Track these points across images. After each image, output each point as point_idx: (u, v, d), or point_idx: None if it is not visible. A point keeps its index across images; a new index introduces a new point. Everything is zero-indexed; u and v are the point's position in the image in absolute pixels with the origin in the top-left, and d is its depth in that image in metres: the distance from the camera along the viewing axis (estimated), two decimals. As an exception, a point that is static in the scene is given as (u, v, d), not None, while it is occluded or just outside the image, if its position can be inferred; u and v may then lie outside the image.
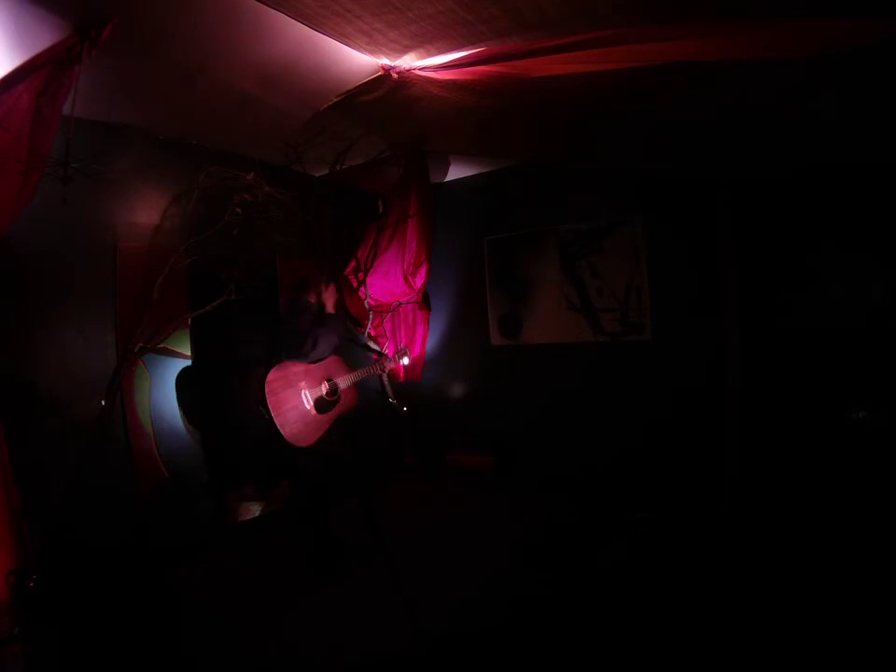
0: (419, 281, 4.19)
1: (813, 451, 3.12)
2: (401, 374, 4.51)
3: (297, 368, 2.77)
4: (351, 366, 3.06)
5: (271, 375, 2.65)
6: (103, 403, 2.79)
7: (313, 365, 2.82)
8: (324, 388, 2.82)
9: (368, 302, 4.04)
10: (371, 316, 4.05)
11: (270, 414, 2.58)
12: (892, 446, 2.89)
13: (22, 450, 2.22)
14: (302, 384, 2.76)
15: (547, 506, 3.57)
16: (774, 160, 2.93)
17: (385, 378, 4.09)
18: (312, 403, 2.75)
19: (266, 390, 2.64)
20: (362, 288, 3.98)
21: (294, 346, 2.80)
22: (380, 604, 2.41)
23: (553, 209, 4.22)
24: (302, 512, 3.02)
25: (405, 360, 3.75)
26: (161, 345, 3.05)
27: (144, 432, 2.97)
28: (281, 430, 2.60)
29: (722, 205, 3.47)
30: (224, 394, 3.47)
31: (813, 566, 2.51)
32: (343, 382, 2.88)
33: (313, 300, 2.95)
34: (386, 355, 3.70)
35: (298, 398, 2.72)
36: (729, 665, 1.94)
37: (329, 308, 3.00)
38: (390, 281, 4.10)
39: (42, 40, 1.98)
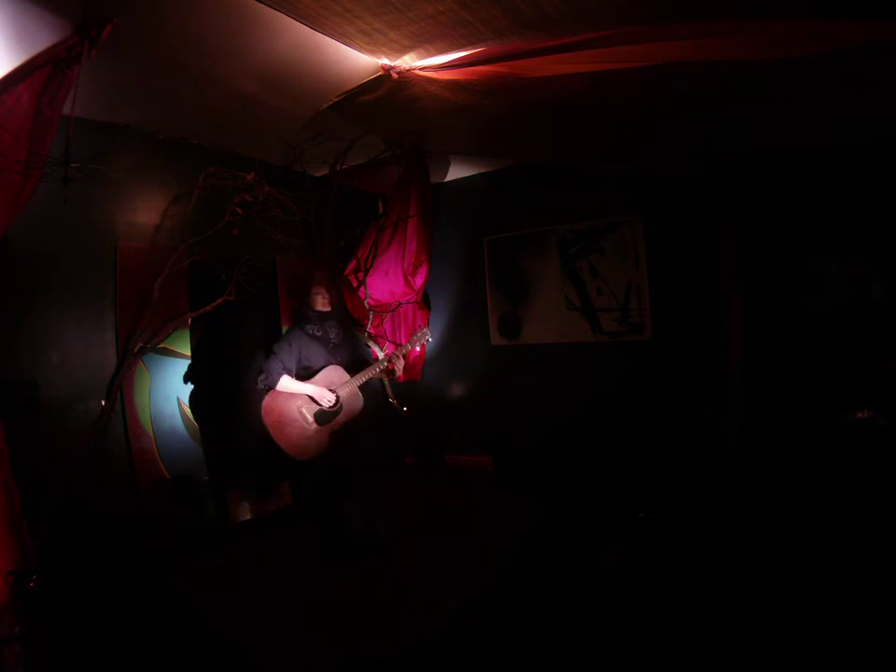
0: (419, 281, 4.18)
1: (814, 450, 3.12)
2: (401, 374, 4.50)
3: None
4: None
5: (266, 399, 2.69)
6: (103, 403, 2.80)
7: (310, 379, 2.76)
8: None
9: (368, 302, 4.03)
10: (371, 316, 4.05)
11: (271, 438, 2.64)
12: (893, 446, 2.89)
13: (22, 450, 2.22)
14: (299, 401, 2.72)
15: (547, 506, 3.57)
16: (774, 161, 2.92)
17: (385, 378, 4.08)
18: (311, 418, 2.72)
19: (264, 419, 2.68)
20: (362, 288, 3.98)
21: (317, 359, 2.79)
22: (380, 603, 2.41)
23: (552, 209, 4.22)
24: (311, 510, 3.02)
25: (418, 347, 3.38)
26: (161, 345, 3.05)
27: (144, 432, 2.97)
28: (285, 450, 2.66)
29: (722, 205, 3.47)
30: (223, 395, 3.47)
31: (813, 565, 2.51)
32: (344, 389, 2.79)
33: (317, 306, 2.89)
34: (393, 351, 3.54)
35: (295, 415, 2.70)
36: (731, 664, 1.94)
37: (319, 307, 2.89)
38: (390, 281, 4.10)
39: (42, 40, 1.99)
